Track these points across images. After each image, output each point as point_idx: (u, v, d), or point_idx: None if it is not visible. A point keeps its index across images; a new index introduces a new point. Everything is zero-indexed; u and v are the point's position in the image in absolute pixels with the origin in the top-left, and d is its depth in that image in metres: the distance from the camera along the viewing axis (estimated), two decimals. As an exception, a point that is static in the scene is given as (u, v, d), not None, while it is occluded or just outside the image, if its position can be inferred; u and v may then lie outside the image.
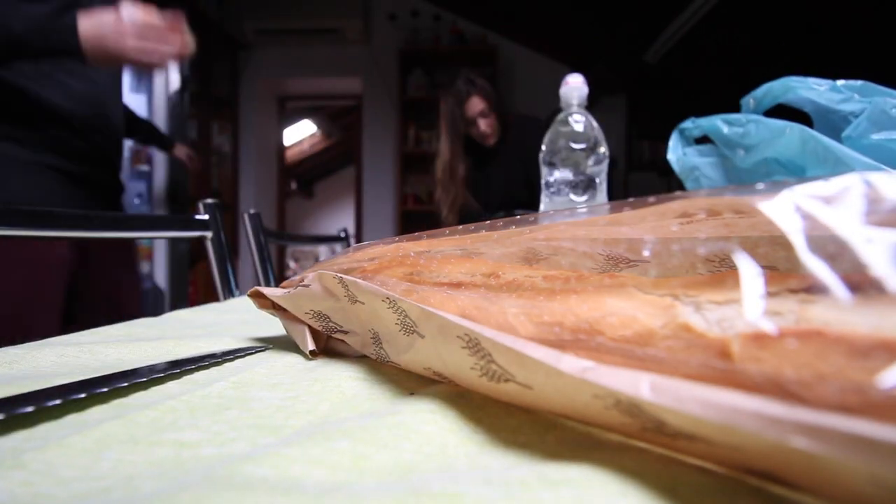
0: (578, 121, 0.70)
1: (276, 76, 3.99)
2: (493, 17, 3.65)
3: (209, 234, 0.83)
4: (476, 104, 1.78)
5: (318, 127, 5.92)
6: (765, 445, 0.11)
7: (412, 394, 0.21)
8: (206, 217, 0.83)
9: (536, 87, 3.82)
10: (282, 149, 4.37)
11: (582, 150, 0.70)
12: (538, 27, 3.52)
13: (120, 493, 0.13)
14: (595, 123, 0.72)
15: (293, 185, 6.32)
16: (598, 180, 0.71)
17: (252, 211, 1.06)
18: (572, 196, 0.71)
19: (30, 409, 0.17)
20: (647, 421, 0.13)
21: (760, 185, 0.15)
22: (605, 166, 0.71)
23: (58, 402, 0.18)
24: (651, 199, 0.18)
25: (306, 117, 5.55)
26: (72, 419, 0.18)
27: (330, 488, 0.13)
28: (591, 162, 0.70)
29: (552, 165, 0.72)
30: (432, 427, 0.17)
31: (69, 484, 0.13)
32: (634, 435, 0.15)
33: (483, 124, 1.77)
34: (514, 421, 0.18)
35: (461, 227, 0.26)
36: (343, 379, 0.23)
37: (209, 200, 0.86)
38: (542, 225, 0.22)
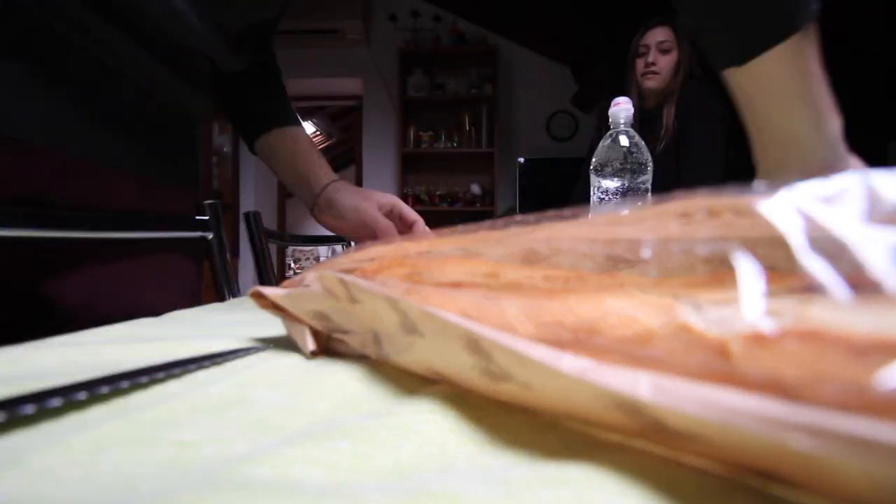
0: (626, 139, 0.81)
1: (276, 76, 3.99)
2: (493, 17, 3.64)
3: (209, 235, 0.83)
4: (658, 33, 1.38)
5: (318, 127, 5.92)
6: (764, 445, 0.11)
7: (412, 394, 0.21)
8: (206, 217, 0.83)
9: (536, 87, 3.82)
10: (282, 149, 4.37)
11: (629, 165, 0.78)
12: (538, 27, 3.52)
13: (120, 493, 0.13)
14: (640, 140, 0.81)
15: (293, 186, 6.31)
16: (644, 187, 0.79)
17: (252, 211, 1.06)
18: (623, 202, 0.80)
19: (31, 409, 0.17)
20: (646, 421, 0.13)
21: (760, 185, 0.15)
22: (649, 175, 0.79)
23: (59, 402, 0.18)
24: (651, 199, 0.18)
25: (306, 117, 5.55)
26: (72, 419, 0.18)
27: (330, 489, 0.13)
28: (637, 175, 0.79)
29: (602, 177, 0.80)
30: (432, 427, 0.17)
31: (70, 484, 0.13)
32: (634, 435, 0.15)
33: (654, 56, 1.36)
34: (514, 421, 0.18)
35: (461, 227, 0.26)
36: (343, 379, 0.23)
37: (209, 200, 0.86)
38: (542, 225, 0.22)
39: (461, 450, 0.15)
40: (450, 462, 0.15)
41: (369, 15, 3.82)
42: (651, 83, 1.40)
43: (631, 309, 0.15)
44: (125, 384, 0.21)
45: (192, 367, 0.24)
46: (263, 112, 0.72)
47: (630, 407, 0.13)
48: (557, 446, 0.16)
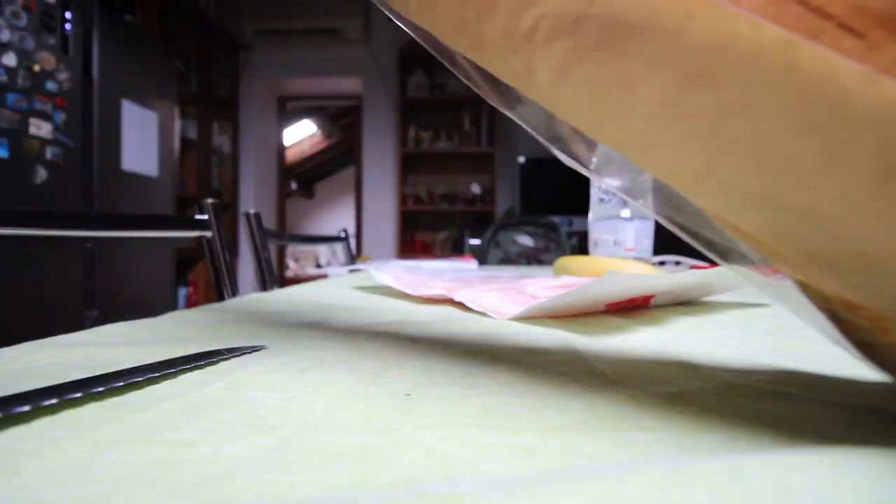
0: (628, 135, 0.84)
1: (276, 76, 4.00)
2: (494, 17, 3.63)
3: (209, 234, 0.83)
4: None
5: (318, 127, 5.93)
6: None
7: (409, 395, 0.21)
8: (206, 217, 0.83)
9: (536, 87, 3.80)
10: (282, 149, 4.37)
11: (629, 163, 0.81)
12: (538, 27, 3.51)
13: (116, 494, 0.13)
14: None
15: (293, 185, 6.33)
16: (644, 186, 0.80)
17: (252, 211, 1.06)
18: (623, 202, 0.82)
19: (26, 408, 0.17)
20: None
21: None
22: (649, 175, 0.82)
23: (54, 401, 0.18)
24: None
25: (306, 117, 5.56)
26: (68, 420, 0.18)
27: (329, 488, 0.13)
28: (638, 173, 0.80)
29: (603, 175, 0.81)
30: (432, 441, 0.16)
31: (65, 487, 0.13)
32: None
33: None
34: (518, 424, 0.17)
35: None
36: (337, 380, 0.23)
37: (209, 200, 0.86)
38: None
39: (463, 456, 0.15)
40: (452, 469, 0.14)
41: (369, 15, 3.81)
42: None
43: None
44: (120, 383, 0.20)
45: (188, 366, 0.24)
46: None
47: None
48: (561, 448, 0.15)
